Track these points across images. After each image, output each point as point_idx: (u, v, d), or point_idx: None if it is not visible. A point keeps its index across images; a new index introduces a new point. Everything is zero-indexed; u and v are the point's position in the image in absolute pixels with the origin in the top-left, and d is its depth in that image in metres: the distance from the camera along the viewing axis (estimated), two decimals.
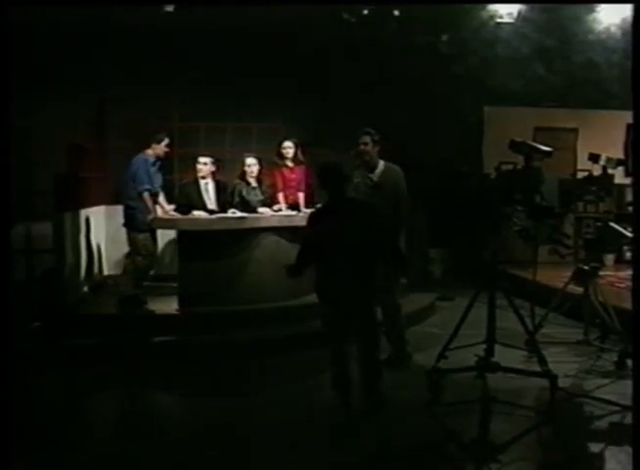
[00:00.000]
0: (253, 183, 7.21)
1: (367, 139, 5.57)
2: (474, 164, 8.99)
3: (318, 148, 8.69)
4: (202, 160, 7.05)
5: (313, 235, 4.53)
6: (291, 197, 7.29)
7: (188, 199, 6.99)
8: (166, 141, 6.85)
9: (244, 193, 7.11)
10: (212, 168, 7.11)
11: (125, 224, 6.80)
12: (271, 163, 7.38)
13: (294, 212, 7.07)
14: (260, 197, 7.19)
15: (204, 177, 7.06)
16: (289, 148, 7.29)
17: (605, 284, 6.79)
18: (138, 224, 6.69)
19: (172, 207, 7.02)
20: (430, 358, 5.13)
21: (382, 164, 5.61)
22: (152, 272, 7.19)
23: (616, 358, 5.53)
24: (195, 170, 7.07)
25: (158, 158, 6.82)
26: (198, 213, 6.79)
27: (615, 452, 4.05)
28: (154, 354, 5.88)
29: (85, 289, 7.23)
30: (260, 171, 7.26)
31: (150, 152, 6.78)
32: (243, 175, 7.18)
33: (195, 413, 4.82)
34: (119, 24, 7.88)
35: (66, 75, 7.98)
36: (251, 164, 7.15)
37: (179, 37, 8.13)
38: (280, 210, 7.11)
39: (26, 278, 6.66)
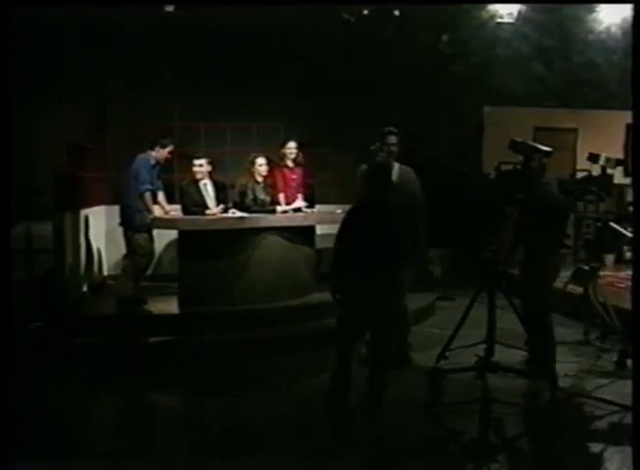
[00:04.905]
0: (262, 183, 7.20)
1: (394, 139, 5.53)
2: (474, 164, 9.00)
3: (318, 148, 8.73)
4: (197, 161, 7.00)
5: (349, 233, 4.56)
6: (291, 197, 7.30)
7: (191, 200, 6.96)
8: (171, 147, 6.86)
9: (257, 192, 7.11)
10: (209, 169, 7.10)
11: (122, 223, 6.79)
12: (273, 163, 7.38)
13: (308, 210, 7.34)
14: (268, 197, 7.19)
15: (202, 178, 7.04)
16: (292, 148, 7.30)
17: (605, 284, 6.79)
18: (136, 224, 6.69)
19: (173, 207, 7.02)
20: (430, 359, 5.13)
21: (396, 165, 5.56)
22: (149, 272, 7.19)
23: (616, 358, 5.53)
24: (192, 172, 7.06)
25: (158, 161, 6.83)
26: (212, 213, 6.78)
27: (614, 452, 4.05)
28: (154, 355, 5.88)
29: (85, 289, 7.23)
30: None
31: (152, 154, 6.79)
32: (251, 175, 7.15)
33: (194, 413, 4.83)
34: (120, 24, 7.88)
35: (66, 75, 7.99)
36: (263, 164, 7.13)
37: (179, 37, 8.13)
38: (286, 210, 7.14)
39: (26, 278, 6.65)
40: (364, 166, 5.34)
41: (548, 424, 4.64)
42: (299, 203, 7.30)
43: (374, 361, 4.65)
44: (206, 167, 7.05)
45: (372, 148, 5.64)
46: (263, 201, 7.08)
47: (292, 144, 7.32)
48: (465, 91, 9.14)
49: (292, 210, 7.20)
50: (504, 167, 5.15)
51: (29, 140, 7.42)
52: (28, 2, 6.07)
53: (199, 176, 7.00)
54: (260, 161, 7.11)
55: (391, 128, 5.61)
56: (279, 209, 7.07)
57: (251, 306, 6.48)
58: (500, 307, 4.98)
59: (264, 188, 7.15)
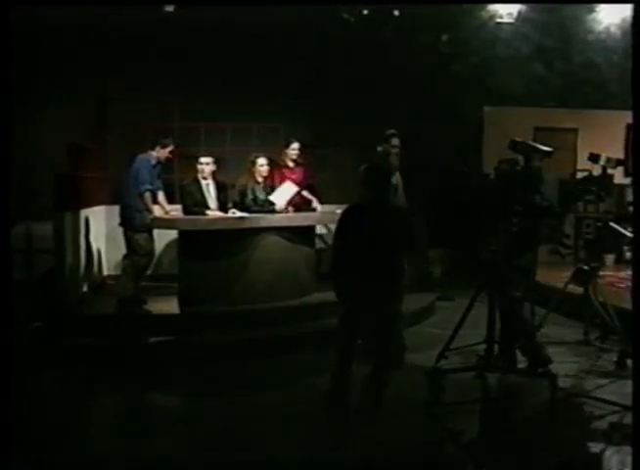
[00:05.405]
0: (262, 184, 7.20)
1: (398, 141, 5.55)
2: (474, 164, 9.00)
3: (318, 148, 8.73)
4: (203, 160, 7.03)
5: (348, 233, 4.56)
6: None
7: (193, 199, 6.96)
8: (171, 147, 6.87)
9: (257, 193, 7.12)
10: (213, 168, 7.10)
11: (122, 224, 6.79)
12: (273, 163, 7.38)
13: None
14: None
15: (204, 178, 7.04)
16: (296, 149, 7.31)
17: (605, 284, 6.79)
18: (136, 224, 6.69)
19: (173, 207, 7.02)
20: (429, 359, 5.13)
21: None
22: (149, 272, 7.19)
23: (616, 358, 5.53)
24: (195, 170, 7.07)
25: (158, 161, 6.84)
26: (213, 214, 6.79)
27: (614, 452, 4.05)
28: (154, 355, 5.88)
29: (85, 289, 7.23)
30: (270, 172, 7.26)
31: (153, 154, 6.79)
32: (252, 175, 7.15)
33: (194, 413, 4.83)
34: (120, 24, 7.88)
35: (66, 75, 7.99)
36: (264, 164, 7.14)
37: (179, 37, 8.13)
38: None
39: (26, 278, 6.65)
40: (364, 167, 5.35)
41: (548, 424, 4.64)
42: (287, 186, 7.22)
43: (374, 361, 4.65)
44: (211, 167, 7.06)
45: (378, 149, 5.66)
46: (263, 201, 7.09)
47: (295, 145, 7.35)
48: (465, 91, 9.14)
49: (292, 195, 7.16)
50: (504, 167, 5.14)
51: (29, 140, 7.42)
52: (28, 2, 6.08)
53: (203, 175, 7.00)
54: (261, 161, 7.12)
55: (394, 131, 5.63)
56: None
57: (251, 306, 6.48)
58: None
59: (264, 188, 7.15)
